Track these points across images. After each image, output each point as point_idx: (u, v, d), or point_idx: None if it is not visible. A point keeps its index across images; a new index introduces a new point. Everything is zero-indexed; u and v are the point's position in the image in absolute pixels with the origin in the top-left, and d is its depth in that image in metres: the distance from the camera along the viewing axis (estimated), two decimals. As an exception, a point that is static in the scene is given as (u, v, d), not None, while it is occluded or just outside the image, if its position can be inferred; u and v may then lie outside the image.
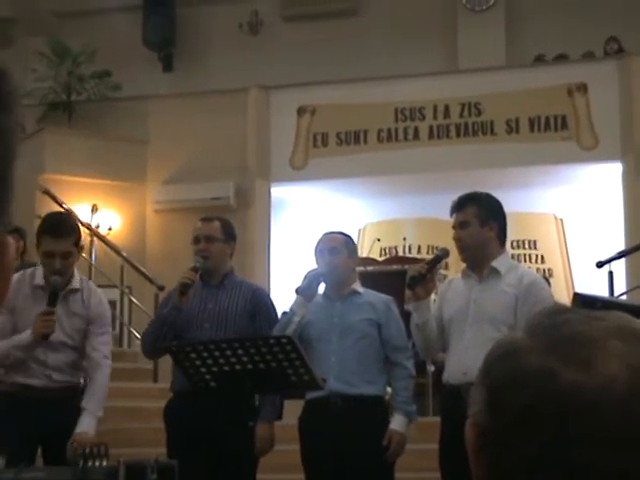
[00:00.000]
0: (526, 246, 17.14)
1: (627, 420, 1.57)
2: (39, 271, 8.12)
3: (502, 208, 7.65)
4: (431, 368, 11.28)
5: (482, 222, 7.40)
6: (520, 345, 1.68)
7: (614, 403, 1.57)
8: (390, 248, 17.19)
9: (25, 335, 7.66)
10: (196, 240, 8.18)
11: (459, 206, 7.49)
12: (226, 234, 8.30)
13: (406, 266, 13.82)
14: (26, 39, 19.27)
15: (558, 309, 1.77)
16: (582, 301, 6.87)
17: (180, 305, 7.80)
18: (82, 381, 8.15)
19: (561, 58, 18.03)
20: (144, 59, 19.70)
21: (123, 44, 19.33)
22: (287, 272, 16.12)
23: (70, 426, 7.74)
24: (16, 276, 7.98)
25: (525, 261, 16.78)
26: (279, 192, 18.25)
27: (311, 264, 8.28)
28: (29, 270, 8.36)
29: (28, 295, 7.87)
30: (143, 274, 15.04)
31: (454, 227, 7.51)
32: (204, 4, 19.72)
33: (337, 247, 8.22)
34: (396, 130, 17.83)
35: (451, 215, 7.57)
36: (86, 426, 7.83)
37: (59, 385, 7.97)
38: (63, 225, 7.98)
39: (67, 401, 7.93)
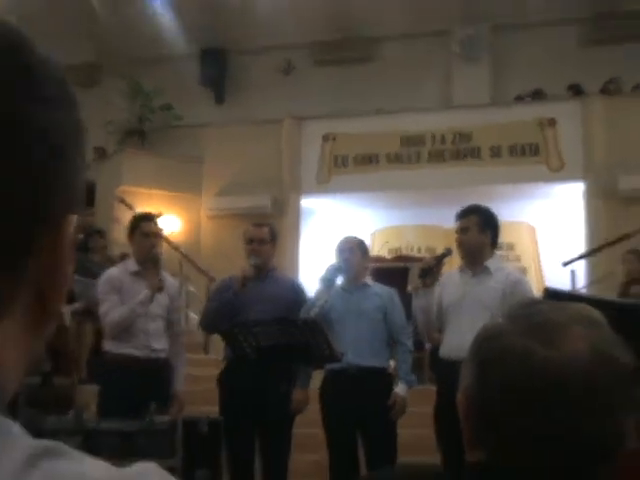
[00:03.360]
0: (505, 248, 17.07)
1: (589, 388, 1.67)
2: (131, 261, 8.60)
3: (497, 220, 7.74)
4: (428, 345, 11.29)
5: (480, 229, 7.52)
6: (503, 329, 1.77)
7: (579, 374, 1.67)
8: (396, 249, 17.11)
9: (142, 294, 8.13)
10: (249, 241, 8.27)
11: (463, 214, 7.62)
12: (273, 237, 8.42)
13: (408, 263, 13.99)
14: (108, 79, 19.30)
15: (532, 301, 1.86)
16: (551, 294, 7.11)
17: (238, 292, 7.94)
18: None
19: (535, 97, 18.12)
20: (201, 94, 19.71)
21: (184, 82, 19.45)
22: (314, 270, 16.23)
23: (168, 392, 8.18)
24: (118, 268, 8.77)
25: (504, 261, 16.75)
26: (307, 203, 18.34)
27: (332, 261, 8.58)
28: (122, 262, 9.07)
29: (129, 280, 8.26)
30: (198, 267, 15.36)
31: (457, 231, 7.63)
32: (248, 52, 19.61)
33: (353, 248, 8.34)
34: (402, 154, 17.91)
35: (456, 221, 7.67)
36: (180, 384, 8.42)
37: (156, 356, 8.25)
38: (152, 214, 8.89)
39: (163, 371, 8.26)
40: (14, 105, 0.90)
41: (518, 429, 1.68)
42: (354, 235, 8.92)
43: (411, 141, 18.02)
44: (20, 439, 0.80)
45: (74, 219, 0.95)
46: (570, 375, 1.66)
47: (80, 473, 0.77)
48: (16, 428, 0.81)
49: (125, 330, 8.22)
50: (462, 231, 7.60)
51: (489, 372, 1.73)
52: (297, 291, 8.37)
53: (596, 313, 1.77)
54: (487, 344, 1.77)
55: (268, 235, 8.40)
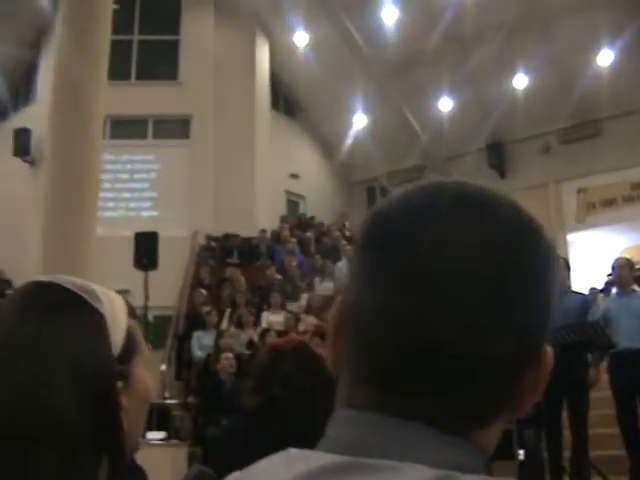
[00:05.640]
0: None
1: None
2: None
3: None
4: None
5: None
6: None
7: None
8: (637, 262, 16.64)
9: None
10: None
11: None
12: (567, 268, 8.28)
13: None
14: (429, 174, 19.24)
15: None
16: None
17: None
18: None
19: None
20: (490, 174, 19.32)
21: (478, 167, 19.37)
22: (578, 282, 16.01)
23: None
24: None
25: None
26: (570, 237, 18.04)
27: (599, 276, 8.52)
28: None
29: None
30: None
31: None
32: (517, 141, 19.38)
33: (622, 265, 8.13)
34: (632, 196, 17.47)
35: None
36: None
37: None
38: None
39: None
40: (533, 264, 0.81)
41: None
42: (624, 256, 8.82)
43: (638, 185, 17.38)
44: None
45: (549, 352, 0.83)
46: None
47: None
48: None
49: None
50: None
51: None
52: (586, 302, 8.13)
53: None
54: None
55: (562, 266, 8.17)
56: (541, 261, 0.83)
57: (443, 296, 0.76)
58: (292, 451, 0.81)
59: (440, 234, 0.78)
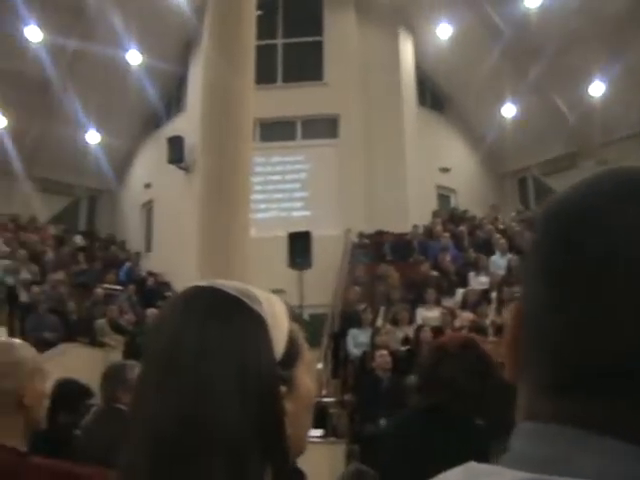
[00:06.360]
0: None
1: None
2: None
3: None
4: None
5: None
6: None
7: None
8: None
9: None
10: None
11: None
12: None
13: None
14: (582, 162, 18.86)
15: None
16: None
17: None
18: None
19: None
20: None
21: (632, 152, 18.27)
22: None
23: None
24: None
25: None
26: None
27: None
28: None
29: None
30: None
31: None
32: None
33: None
34: None
35: None
36: None
37: None
38: None
39: None
40: None
41: None
42: None
43: None
44: None
45: None
46: None
47: None
48: None
49: None
50: None
51: None
52: None
53: None
54: None
55: None
56: None
57: (630, 295, 0.67)
58: (473, 465, 0.74)
59: (629, 228, 0.69)
